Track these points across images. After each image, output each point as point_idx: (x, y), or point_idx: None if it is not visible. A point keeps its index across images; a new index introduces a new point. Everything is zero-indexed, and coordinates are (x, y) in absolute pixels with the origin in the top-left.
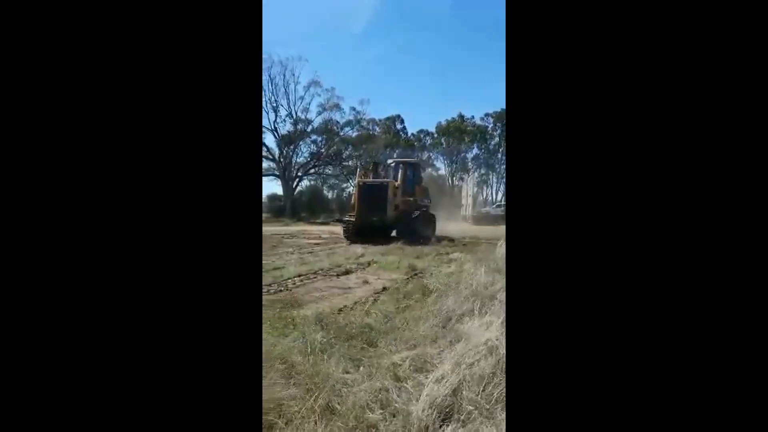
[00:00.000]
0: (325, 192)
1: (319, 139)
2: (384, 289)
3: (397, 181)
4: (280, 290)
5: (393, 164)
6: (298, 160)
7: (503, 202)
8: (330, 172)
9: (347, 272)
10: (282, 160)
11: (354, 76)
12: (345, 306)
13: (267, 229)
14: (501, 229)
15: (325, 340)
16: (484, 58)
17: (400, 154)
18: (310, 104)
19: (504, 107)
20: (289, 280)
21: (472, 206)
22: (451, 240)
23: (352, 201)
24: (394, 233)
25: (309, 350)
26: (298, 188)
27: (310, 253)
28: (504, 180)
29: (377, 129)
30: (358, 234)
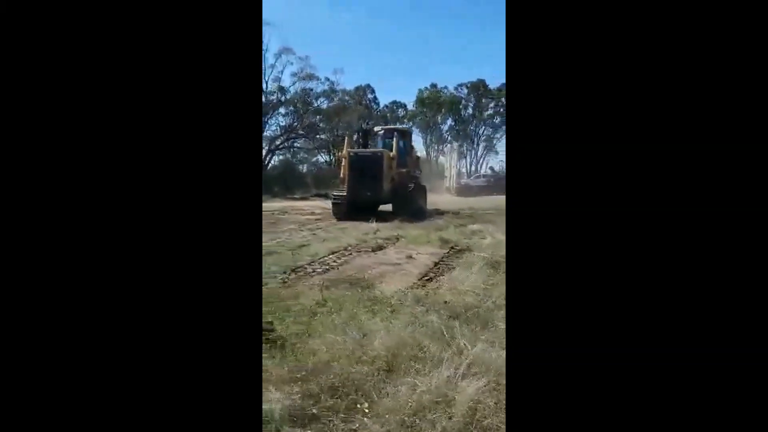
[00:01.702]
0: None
1: (291, 111)
2: (436, 264)
3: (391, 150)
4: (327, 269)
5: (382, 132)
6: (266, 134)
7: (480, 173)
8: (300, 145)
9: (381, 248)
10: None
11: (325, 44)
12: (414, 284)
13: None
14: (487, 200)
15: (439, 322)
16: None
17: (373, 125)
18: (282, 73)
19: (479, 78)
20: (326, 258)
21: (455, 178)
22: (455, 213)
23: (342, 174)
24: (385, 208)
25: (445, 335)
26: (271, 163)
27: (319, 228)
28: (479, 151)
29: (348, 99)
30: (350, 210)
